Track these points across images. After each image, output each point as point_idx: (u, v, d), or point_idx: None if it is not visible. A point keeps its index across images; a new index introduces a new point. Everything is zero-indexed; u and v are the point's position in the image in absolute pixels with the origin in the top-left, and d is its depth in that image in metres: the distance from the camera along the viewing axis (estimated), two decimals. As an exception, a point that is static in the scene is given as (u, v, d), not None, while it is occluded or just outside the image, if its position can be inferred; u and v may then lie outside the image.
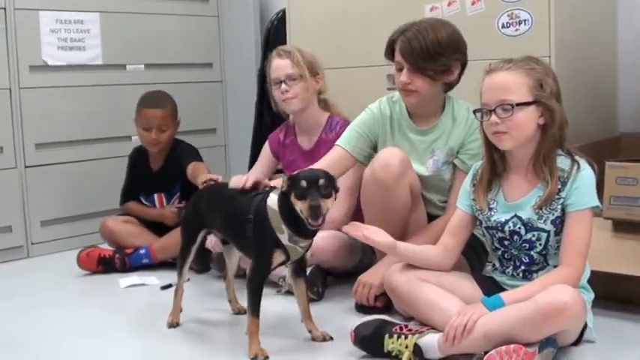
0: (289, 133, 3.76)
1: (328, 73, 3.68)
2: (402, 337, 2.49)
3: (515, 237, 2.59)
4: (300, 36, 4.06)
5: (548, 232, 2.55)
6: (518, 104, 2.47)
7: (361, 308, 3.04)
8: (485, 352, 2.31)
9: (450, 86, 3.09)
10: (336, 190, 2.57)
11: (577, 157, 2.55)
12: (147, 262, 3.90)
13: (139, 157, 4.22)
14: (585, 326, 2.51)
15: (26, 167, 4.31)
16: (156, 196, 4.15)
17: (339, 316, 3.02)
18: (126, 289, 3.61)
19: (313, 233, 2.62)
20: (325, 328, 2.79)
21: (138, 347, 2.90)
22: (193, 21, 5.06)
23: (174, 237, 3.41)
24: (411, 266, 2.75)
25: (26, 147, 4.30)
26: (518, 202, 2.59)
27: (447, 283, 2.67)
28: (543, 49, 3.23)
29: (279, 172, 3.78)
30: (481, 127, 2.61)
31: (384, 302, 2.99)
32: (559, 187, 2.51)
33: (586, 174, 2.52)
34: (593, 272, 2.63)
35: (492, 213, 2.63)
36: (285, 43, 4.15)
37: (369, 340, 2.56)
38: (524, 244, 2.59)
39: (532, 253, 2.59)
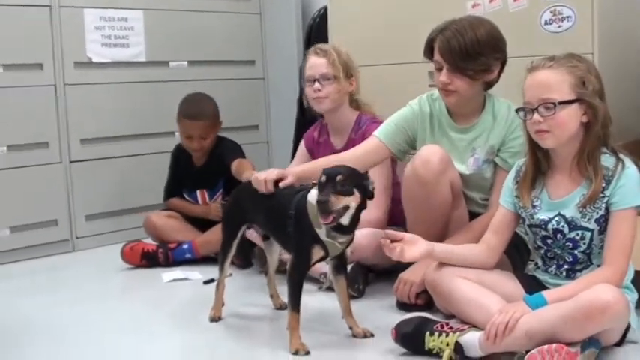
0: (323, 132, 3.77)
1: (369, 70, 3.68)
2: (443, 334, 2.49)
3: (559, 235, 2.57)
4: (341, 33, 4.06)
5: (592, 230, 2.52)
6: (560, 102, 2.45)
7: (402, 306, 3.04)
8: (527, 351, 2.29)
9: (489, 85, 3.07)
10: (363, 188, 2.57)
11: (622, 156, 2.52)
12: (190, 257, 3.92)
13: (181, 154, 4.24)
14: (629, 326, 2.48)
15: (71, 162, 4.36)
16: (198, 192, 4.17)
17: (380, 313, 3.02)
18: (168, 284, 3.64)
19: (350, 229, 2.63)
20: (366, 325, 2.79)
21: (179, 341, 2.92)
22: (236, 18, 5.07)
23: (217, 232, 3.37)
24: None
25: (71, 142, 4.35)
26: (562, 200, 2.56)
27: (488, 280, 2.66)
28: (586, 46, 3.20)
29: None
30: (524, 125, 2.59)
31: (425, 300, 2.98)
32: (603, 185, 2.48)
33: (631, 172, 2.49)
34: (636, 272, 2.61)
35: (536, 211, 2.61)
36: (326, 39, 4.15)
37: (410, 337, 2.55)
38: (567, 243, 2.57)
39: (575, 252, 2.57)
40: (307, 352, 2.60)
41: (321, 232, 2.61)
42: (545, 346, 2.27)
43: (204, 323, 2.99)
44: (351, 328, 2.78)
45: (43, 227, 4.27)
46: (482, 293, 2.61)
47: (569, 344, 2.29)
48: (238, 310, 3.12)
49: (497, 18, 3.14)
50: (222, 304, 3.04)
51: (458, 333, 2.48)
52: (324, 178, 2.53)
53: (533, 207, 2.62)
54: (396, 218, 3.46)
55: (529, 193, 2.63)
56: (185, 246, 3.94)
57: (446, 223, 3.06)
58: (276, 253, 3.10)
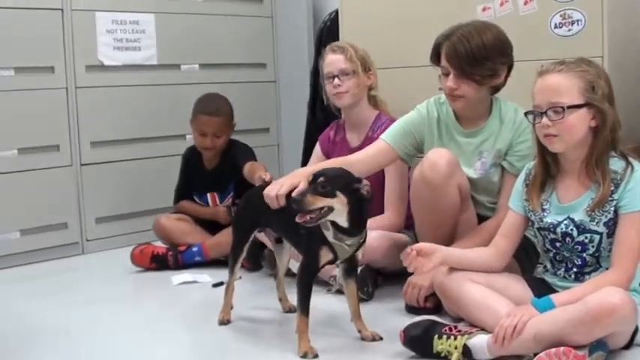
0: (339, 131, 3.77)
1: (380, 73, 3.68)
2: (452, 337, 2.48)
3: (567, 239, 2.57)
4: (352, 36, 4.03)
5: (601, 234, 2.52)
6: (569, 107, 2.45)
7: (411, 309, 3.03)
8: (535, 354, 2.30)
9: (496, 89, 3.07)
10: (351, 191, 2.56)
11: (631, 159, 2.52)
12: (199, 260, 3.91)
13: (192, 157, 4.24)
14: (637, 330, 2.47)
15: (82, 165, 4.36)
16: (209, 195, 4.17)
17: (389, 317, 3.01)
18: (178, 287, 3.64)
19: (354, 232, 2.62)
20: (375, 328, 2.78)
21: (188, 344, 2.93)
22: (247, 21, 5.07)
23: (227, 235, 3.41)
24: (460, 267, 2.74)
25: (82, 145, 4.35)
26: (571, 204, 2.56)
27: (496, 283, 2.66)
28: (596, 50, 3.20)
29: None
30: (533, 129, 2.59)
31: (433, 303, 2.97)
32: (612, 188, 2.48)
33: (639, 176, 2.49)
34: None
35: (545, 214, 2.61)
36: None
37: (418, 340, 2.54)
38: (576, 246, 2.57)
39: (584, 255, 2.57)
40: (316, 356, 2.59)
41: (329, 234, 2.61)
42: (553, 350, 2.27)
43: (213, 326, 2.99)
44: (359, 331, 2.77)
45: (54, 230, 4.28)
46: (491, 296, 2.61)
47: (577, 347, 2.29)
48: (247, 313, 3.11)
49: (507, 21, 3.16)
50: (231, 308, 3.04)
51: (466, 336, 2.47)
52: (310, 179, 2.56)
53: (543, 210, 2.62)
54: (406, 221, 3.47)
55: (539, 196, 2.63)
56: (195, 249, 3.93)
57: (454, 226, 3.06)
58: (286, 257, 3.10)
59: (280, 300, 3.14)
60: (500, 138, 3.05)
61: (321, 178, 2.55)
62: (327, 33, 4.66)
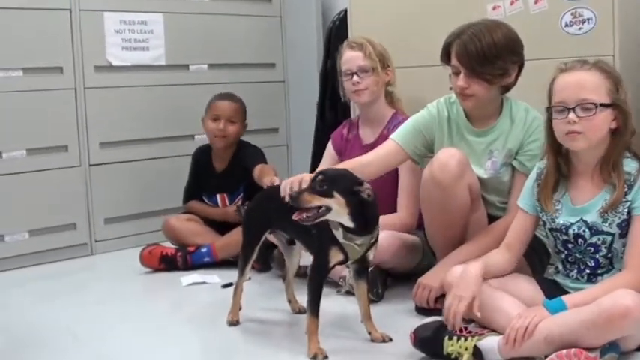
0: (352, 128, 3.77)
1: (390, 73, 3.67)
2: (462, 339, 2.48)
3: (580, 240, 2.56)
4: (361, 35, 4.04)
5: (613, 235, 2.51)
6: (601, 105, 2.44)
7: (421, 310, 3.02)
8: (546, 356, 2.29)
9: (507, 88, 3.05)
10: (351, 193, 2.55)
11: (643, 160, 2.52)
12: (208, 261, 3.91)
13: (202, 157, 4.24)
14: (649, 331, 2.46)
15: (90, 166, 4.36)
16: (219, 196, 4.17)
17: (399, 318, 3.00)
18: (187, 287, 3.63)
19: (361, 231, 2.62)
20: (385, 329, 2.78)
21: (198, 345, 2.93)
22: (256, 21, 5.06)
23: (236, 235, 3.40)
24: (471, 267, 2.74)
25: (91, 146, 4.35)
26: (584, 206, 2.55)
27: (507, 284, 2.65)
28: (607, 48, 3.19)
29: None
30: (547, 127, 2.58)
31: (443, 304, 2.94)
32: (625, 190, 2.48)
33: (652, 177, 2.48)
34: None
35: (557, 215, 2.60)
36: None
37: (428, 341, 2.54)
38: (588, 248, 2.55)
39: (597, 256, 2.55)
40: (325, 357, 2.59)
41: (338, 234, 2.61)
42: (564, 351, 2.27)
43: (222, 327, 2.99)
44: (369, 332, 2.77)
45: (62, 231, 4.28)
46: (502, 297, 2.59)
47: (589, 349, 2.28)
48: (256, 314, 3.11)
49: (518, 20, 3.15)
50: (240, 308, 3.04)
51: (477, 337, 2.47)
52: (312, 177, 2.57)
53: (555, 210, 2.60)
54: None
55: (551, 197, 2.61)
56: (204, 249, 3.93)
57: (464, 226, 3.05)
58: (296, 258, 3.10)
59: (289, 301, 3.14)
60: (510, 137, 3.04)
61: (320, 177, 2.56)
62: (337, 32, 4.64)
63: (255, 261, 3.19)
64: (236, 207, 4.00)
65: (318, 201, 2.53)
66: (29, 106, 4.10)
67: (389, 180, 3.37)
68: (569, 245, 2.59)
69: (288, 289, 3.13)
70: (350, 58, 3.60)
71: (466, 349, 2.46)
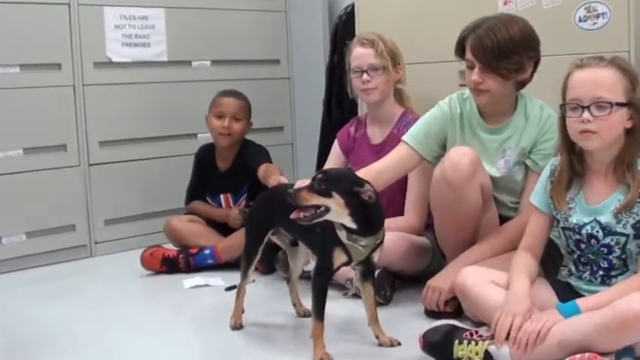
0: (360, 127, 3.73)
1: (397, 69, 3.67)
2: (473, 343, 2.44)
3: (593, 241, 2.52)
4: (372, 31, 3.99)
5: (627, 235, 2.48)
6: (617, 104, 2.40)
7: (431, 313, 2.99)
8: (559, 361, 2.27)
9: (522, 84, 3.04)
10: (350, 194, 2.52)
11: (657, 160, 2.51)
12: (211, 263, 3.88)
13: (205, 156, 4.22)
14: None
15: (90, 165, 4.34)
16: (222, 196, 4.14)
17: (408, 321, 2.98)
18: (190, 290, 3.61)
19: (365, 232, 2.58)
20: (393, 333, 2.76)
21: (200, 349, 2.94)
22: (260, 17, 5.05)
23: (240, 237, 3.37)
24: (482, 269, 2.71)
25: (90, 145, 4.33)
26: (598, 206, 2.52)
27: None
28: (622, 44, 3.17)
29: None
30: (560, 124, 2.54)
31: (454, 307, 2.94)
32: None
33: (666, 177, 2.47)
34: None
35: (571, 214, 2.56)
36: (352, 38, 4.07)
37: (438, 345, 2.50)
38: (601, 249, 2.52)
39: (610, 257, 2.52)
40: (332, 362, 2.58)
41: (342, 235, 2.58)
42: (578, 356, 2.25)
43: (225, 331, 2.97)
44: (377, 336, 2.75)
45: (61, 232, 4.25)
46: (488, 287, 2.60)
47: (603, 354, 2.26)
48: (261, 318, 3.09)
49: (530, 15, 3.11)
50: (242, 311, 3.02)
51: (488, 341, 2.43)
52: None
53: (569, 209, 2.57)
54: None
55: (564, 194, 2.59)
56: (207, 251, 3.90)
57: (476, 227, 3.03)
58: (300, 260, 3.07)
59: (294, 305, 3.12)
60: (524, 135, 3.02)
61: (320, 176, 2.54)
62: (343, 27, 4.62)
63: (260, 263, 3.22)
64: (239, 210, 3.98)
65: (316, 200, 2.51)
66: (26, 103, 4.07)
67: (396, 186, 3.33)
68: (582, 245, 2.56)
69: (293, 292, 3.11)
70: (360, 54, 3.56)
71: (477, 353, 2.42)
